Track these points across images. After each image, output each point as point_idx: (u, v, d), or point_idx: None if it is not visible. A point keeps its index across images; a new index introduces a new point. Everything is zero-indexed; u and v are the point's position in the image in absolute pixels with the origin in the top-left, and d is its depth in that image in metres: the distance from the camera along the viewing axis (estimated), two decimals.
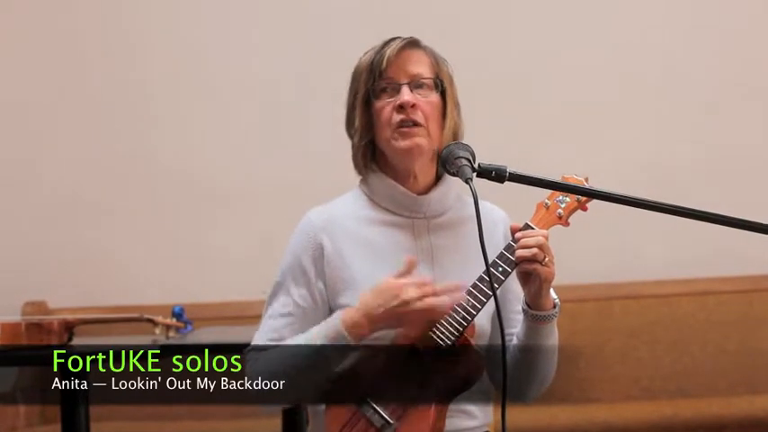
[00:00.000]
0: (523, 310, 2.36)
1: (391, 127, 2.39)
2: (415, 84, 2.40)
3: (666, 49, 4.92)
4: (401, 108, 2.38)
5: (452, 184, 2.44)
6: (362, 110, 2.41)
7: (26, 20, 5.01)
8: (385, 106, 2.39)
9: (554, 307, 2.35)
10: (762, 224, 2.11)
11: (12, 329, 3.46)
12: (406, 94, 2.38)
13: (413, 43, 2.43)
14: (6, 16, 5.02)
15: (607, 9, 4.94)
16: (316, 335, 2.32)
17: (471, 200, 2.38)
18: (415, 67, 2.41)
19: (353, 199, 2.48)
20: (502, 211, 2.50)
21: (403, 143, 2.39)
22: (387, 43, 2.42)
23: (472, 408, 2.40)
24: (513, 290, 2.45)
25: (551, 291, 2.35)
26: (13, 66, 5.02)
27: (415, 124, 2.38)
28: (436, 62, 2.44)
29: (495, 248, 2.30)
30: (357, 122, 2.42)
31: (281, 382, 2.35)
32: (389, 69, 2.39)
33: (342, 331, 2.29)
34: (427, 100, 2.40)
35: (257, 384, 2.37)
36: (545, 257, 2.28)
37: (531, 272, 2.29)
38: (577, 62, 4.91)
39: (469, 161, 2.26)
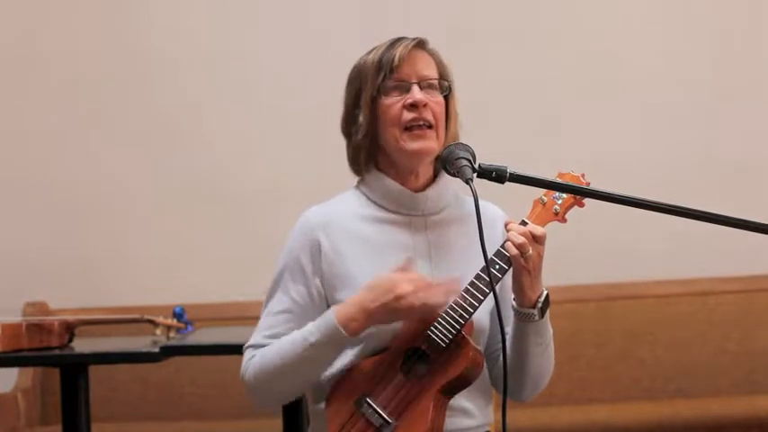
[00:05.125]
0: (512, 304, 2.36)
1: (400, 126, 2.37)
2: (425, 84, 2.40)
3: (667, 49, 4.92)
4: (412, 107, 2.37)
5: (450, 181, 2.44)
6: (368, 107, 2.39)
7: (35, 24, 5.01)
8: (394, 104, 2.38)
9: (533, 306, 2.33)
10: (762, 224, 2.11)
11: (12, 330, 3.46)
12: (417, 93, 2.38)
13: (421, 44, 2.43)
14: (17, 22, 5.02)
15: (607, 6, 4.94)
16: (311, 330, 2.32)
17: (469, 198, 2.39)
18: (423, 67, 2.41)
19: (351, 198, 2.48)
20: (500, 210, 2.50)
21: (414, 145, 2.38)
22: (394, 43, 2.41)
23: (471, 407, 2.40)
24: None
25: (543, 293, 2.34)
26: (19, 68, 5.02)
27: (428, 126, 2.38)
28: (442, 65, 2.45)
29: (494, 248, 2.30)
30: (361, 119, 2.40)
31: (276, 381, 2.36)
32: (400, 68, 2.38)
33: (336, 325, 2.28)
34: (436, 100, 2.40)
35: (252, 383, 2.39)
36: (526, 252, 2.28)
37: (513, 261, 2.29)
38: (578, 61, 4.91)
39: (470, 162, 2.26)
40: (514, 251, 2.27)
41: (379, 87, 2.38)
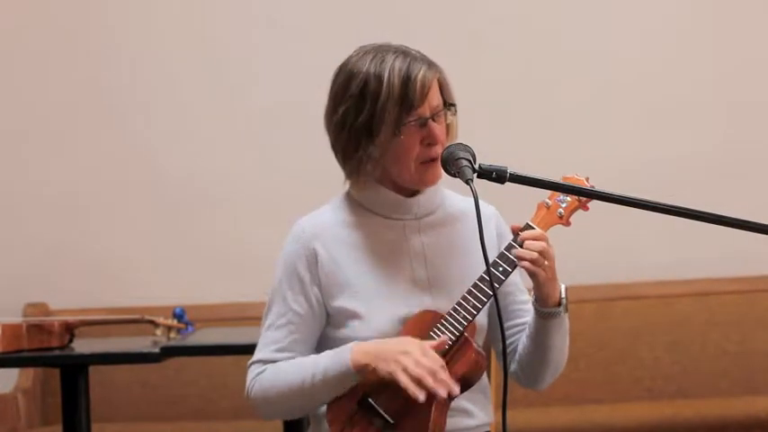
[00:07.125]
0: (533, 305, 2.37)
1: (416, 161, 2.37)
2: (436, 117, 2.38)
3: (668, 48, 4.92)
4: (429, 145, 2.36)
5: (440, 183, 2.44)
6: (386, 141, 2.34)
7: (26, 21, 5.01)
8: (414, 143, 2.35)
9: (558, 305, 2.35)
10: (762, 224, 2.11)
11: (13, 331, 3.46)
12: (436, 130, 2.36)
13: (430, 67, 2.37)
14: (6, 18, 5.02)
15: (608, 7, 4.94)
16: (324, 367, 2.31)
17: (458, 197, 2.46)
18: (434, 97, 2.37)
19: (342, 205, 2.47)
20: (491, 207, 2.50)
21: (426, 178, 2.38)
22: (410, 68, 2.35)
23: (472, 407, 2.40)
24: (515, 281, 2.47)
25: (562, 287, 2.35)
26: (13, 67, 5.02)
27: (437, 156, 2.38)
28: (445, 84, 2.41)
29: (489, 246, 2.27)
30: (372, 152, 2.34)
31: (282, 404, 2.37)
32: (419, 105, 2.34)
33: (350, 370, 2.28)
34: (443, 129, 2.39)
35: (259, 401, 2.39)
36: (544, 261, 2.29)
37: (530, 272, 2.30)
38: (578, 61, 4.91)
39: (470, 162, 2.26)
40: (534, 268, 2.28)
41: (400, 125, 2.34)
